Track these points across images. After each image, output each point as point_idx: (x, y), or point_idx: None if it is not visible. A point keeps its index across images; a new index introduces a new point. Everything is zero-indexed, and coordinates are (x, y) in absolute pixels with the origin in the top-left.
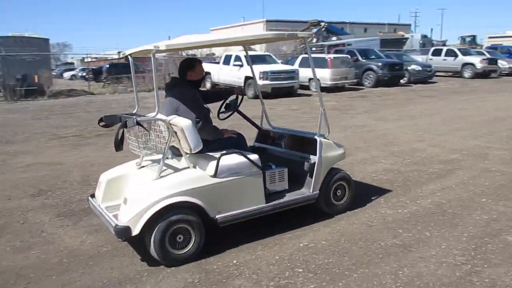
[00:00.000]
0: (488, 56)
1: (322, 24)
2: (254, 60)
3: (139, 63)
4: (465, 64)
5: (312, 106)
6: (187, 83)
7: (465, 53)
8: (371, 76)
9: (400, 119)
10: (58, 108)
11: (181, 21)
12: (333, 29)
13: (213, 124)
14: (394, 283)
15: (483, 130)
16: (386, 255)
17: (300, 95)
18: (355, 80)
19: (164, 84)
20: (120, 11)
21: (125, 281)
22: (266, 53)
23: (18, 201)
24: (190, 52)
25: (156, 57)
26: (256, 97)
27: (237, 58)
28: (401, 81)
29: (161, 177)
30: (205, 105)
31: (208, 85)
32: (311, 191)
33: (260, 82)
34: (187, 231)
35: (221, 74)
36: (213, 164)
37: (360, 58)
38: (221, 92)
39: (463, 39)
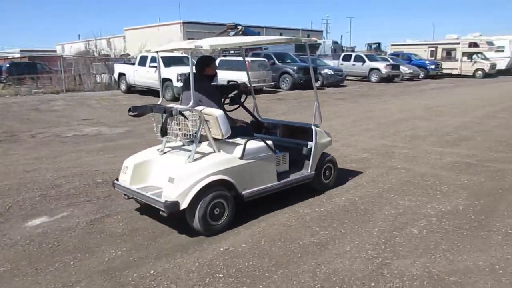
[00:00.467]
0: (392, 62)
1: (240, 27)
2: (172, 62)
3: (45, 63)
4: (372, 69)
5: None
6: (205, 77)
7: (371, 59)
8: (287, 79)
9: None
10: None
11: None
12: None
13: None
14: (312, 281)
15: (389, 130)
16: (305, 253)
17: None
18: (272, 83)
19: (73, 85)
20: (24, 7)
21: None
22: (184, 55)
23: None
24: (103, 51)
25: (65, 57)
26: (174, 99)
27: (154, 59)
28: (316, 83)
29: (195, 160)
30: None
31: (123, 86)
32: (309, 171)
33: (178, 84)
34: (222, 205)
35: (137, 75)
36: (240, 148)
37: (276, 61)
38: (229, 87)
39: (369, 46)
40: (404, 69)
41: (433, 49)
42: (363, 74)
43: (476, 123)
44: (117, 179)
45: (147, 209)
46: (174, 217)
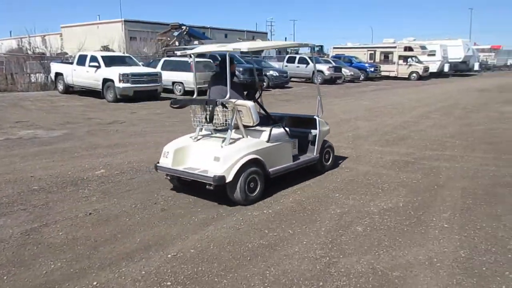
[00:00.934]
0: (334, 64)
1: (184, 27)
2: (113, 61)
3: None
4: (319, 72)
5: (177, 110)
6: (228, 74)
7: (316, 61)
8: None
9: None
10: None
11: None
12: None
13: None
14: (262, 284)
15: (333, 131)
16: (254, 256)
17: (164, 98)
18: None
19: (5, 85)
20: None
21: None
22: (126, 54)
23: None
24: (37, 49)
25: None
26: (116, 100)
27: (93, 59)
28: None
29: (230, 143)
30: None
31: (60, 87)
32: (314, 154)
33: (121, 84)
34: (256, 180)
35: (75, 75)
36: (266, 133)
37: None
38: (246, 84)
39: (312, 48)
40: (346, 71)
41: (372, 52)
42: (307, 76)
43: (413, 123)
44: (157, 163)
45: (88, 215)
46: (216, 191)
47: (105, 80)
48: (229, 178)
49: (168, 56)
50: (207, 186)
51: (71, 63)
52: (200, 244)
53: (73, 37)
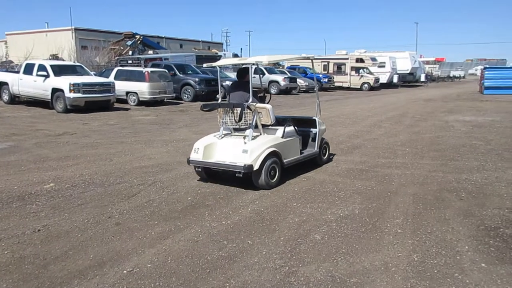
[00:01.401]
0: (289, 75)
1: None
2: (63, 70)
3: None
4: (271, 82)
5: (131, 121)
6: (244, 82)
7: (270, 72)
8: (189, 90)
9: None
10: None
11: None
12: (149, 42)
13: None
14: None
15: None
16: (213, 269)
17: (117, 109)
18: (174, 95)
19: None
20: None
21: None
22: (77, 63)
23: None
24: None
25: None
26: (66, 111)
27: (42, 68)
28: (217, 96)
29: (252, 139)
30: None
31: (5, 97)
32: (315, 149)
33: (71, 95)
34: (275, 169)
35: (22, 84)
36: (280, 130)
37: (178, 72)
38: (259, 90)
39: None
40: (301, 82)
41: (326, 63)
42: (264, 86)
43: (366, 132)
44: (189, 158)
45: (37, 232)
46: (244, 179)
47: (54, 90)
48: (256, 167)
49: (121, 66)
50: (236, 174)
51: (17, 72)
52: (157, 258)
53: (20, 45)
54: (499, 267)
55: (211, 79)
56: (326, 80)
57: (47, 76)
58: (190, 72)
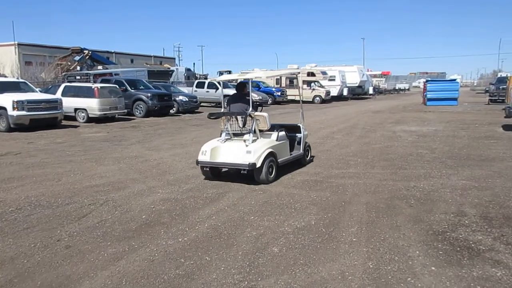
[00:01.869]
0: None
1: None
2: (6, 87)
3: None
4: (225, 96)
5: (80, 138)
6: (243, 94)
7: (225, 86)
8: (141, 106)
9: (173, 147)
10: None
11: None
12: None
13: None
14: None
15: None
16: None
17: (65, 126)
18: (125, 110)
19: None
20: None
21: None
22: (21, 80)
23: None
24: None
25: None
26: (9, 129)
27: None
28: (171, 111)
29: (252, 142)
30: None
31: None
32: (300, 151)
33: (15, 113)
34: (272, 167)
35: None
36: (275, 135)
37: (129, 88)
38: (254, 101)
39: (221, 73)
40: (254, 96)
41: (278, 77)
42: (217, 101)
43: (319, 143)
44: (197, 159)
45: None
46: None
47: None
48: (258, 165)
49: (69, 82)
50: (241, 171)
51: None
52: (111, 281)
53: None
54: (448, 269)
55: (164, 94)
56: (279, 93)
57: None
58: (142, 87)
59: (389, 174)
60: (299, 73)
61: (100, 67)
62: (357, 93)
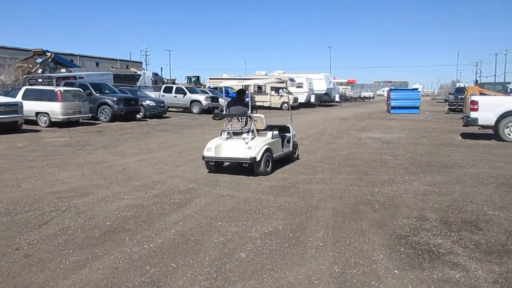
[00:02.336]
0: (211, 95)
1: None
2: None
3: None
4: (193, 101)
5: (41, 143)
6: (242, 99)
7: (192, 91)
8: (106, 110)
9: (139, 153)
10: None
11: None
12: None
13: None
14: None
15: None
16: None
17: (26, 131)
18: (90, 115)
19: None
20: None
21: None
22: None
23: None
24: None
25: None
26: None
27: None
28: (137, 116)
29: (251, 139)
30: None
31: None
32: (290, 148)
33: None
34: (269, 161)
35: None
36: (270, 133)
37: (94, 92)
38: (251, 105)
39: (189, 78)
40: (223, 102)
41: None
42: (185, 106)
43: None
44: (203, 155)
45: None
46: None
47: None
48: (258, 158)
49: (30, 85)
50: (243, 164)
51: None
52: None
53: None
54: (410, 272)
55: (130, 99)
56: (247, 99)
57: None
58: (107, 91)
59: (354, 180)
60: (287, 81)
61: (63, 70)
62: (324, 100)
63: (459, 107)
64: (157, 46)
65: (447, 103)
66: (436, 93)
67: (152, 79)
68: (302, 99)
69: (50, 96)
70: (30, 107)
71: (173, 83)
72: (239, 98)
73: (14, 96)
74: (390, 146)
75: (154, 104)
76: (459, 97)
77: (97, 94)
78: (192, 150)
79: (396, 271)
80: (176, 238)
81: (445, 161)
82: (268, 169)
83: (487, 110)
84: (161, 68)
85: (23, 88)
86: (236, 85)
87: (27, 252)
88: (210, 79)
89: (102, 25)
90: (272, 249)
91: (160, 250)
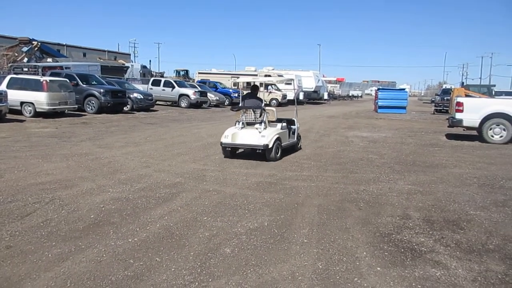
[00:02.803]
0: (200, 89)
1: (35, 43)
2: None
3: None
4: (181, 95)
5: (26, 133)
6: (256, 93)
7: (181, 85)
8: (93, 102)
9: (126, 146)
10: None
11: None
12: (48, 49)
13: None
14: None
15: (200, 154)
16: None
17: (10, 120)
18: (76, 106)
19: None
20: None
21: None
22: None
23: None
24: None
25: None
26: None
27: None
28: (125, 108)
29: (264, 129)
30: None
31: None
32: (295, 139)
33: None
34: (278, 148)
35: None
36: (279, 125)
37: (80, 83)
38: (260, 99)
39: (178, 72)
40: (211, 96)
41: (236, 78)
42: (173, 100)
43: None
44: (221, 141)
45: None
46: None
47: None
48: (270, 145)
49: (15, 73)
50: (257, 151)
51: None
52: (55, 283)
53: None
54: (392, 270)
55: (118, 91)
56: (236, 95)
57: None
58: (94, 82)
59: (340, 178)
60: (294, 80)
61: (49, 59)
62: (313, 97)
63: (445, 108)
64: (146, 39)
65: (434, 104)
66: (423, 94)
67: (140, 71)
68: (291, 96)
69: (35, 86)
70: (15, 96)
71: (162, 76)
72: (253, 93)
73: None
74: (377, 145)
75: (142, 97)
76: (445, 98)
77: (84, 85)
78: (179, 144)
79: (378, 269)
80: (161, 232)
81: (430, 161)
82: (278, 155)
83: (472, 111)
84: (150, 61)
85: (8, 77)
86: (251, 81)
87: (8, 243)
88: (199, 73)
89: (91, 15)
90: (257, 245)
91: (144, 244)
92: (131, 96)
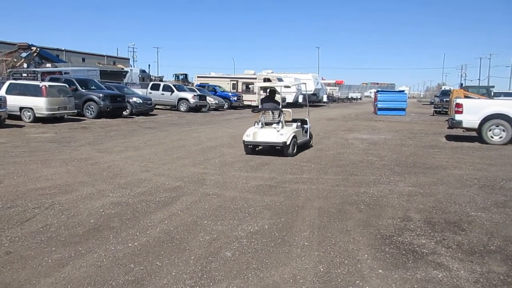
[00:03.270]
0: (199, 93)
1: (34, 48)
2: None
3: None
4: (180, 99)
5: (25, 139)
6: (273, 97)
7: (180, 89)
8: (92, 107)
9: (125, 150)
10: None
11: None
12: (46, 55)
13: None
14: None
15: (200, 158)
16: None
17: (9, 126)
18: (75, 111)
19: None
20: None
21: None
22: None
23: None
24: None
25: None
26: None
27: None
28: (124, 112)
29: (282, 128)
30: None
31: None
32: (308, 138)
33: None
34: (295, 145)
35: None
36: (295, 124)
37: (79, 88)
38: (278, 101)
39: (177, 76)
40: (211, 100)
41: (235, 82)
42: (172, 104)
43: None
44: (244, 140)
45: None
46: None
47: None
48: (287, 143)
49: (14, 79)
50: (276, 147)
51: None
52: None
53: None
54: (393, 272)
55: (117, 95)
56: (235, 98)
57: None
58: (93, 87)
59: (341, 180)
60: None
61: (48, 65)
62: (312, 100)
63: (444, 110)
64: (145, 43)
65: (433, 105)
66: (422, 96)
67: (139, 76)
68: (290, 99)
69: (34, 91)
70: (14, 101)
71: (161, 80)
72: (271, 96)
73: None
74: (377, 147)
75: (141, 101)
76: (444, 99)
77: (83, 90)
78: (179, 148)
79: (380, 271)
80: (161, 236)
81: (430, 163)
82: (294, 151)
83: (471, 113)
84: (149, 65)
85: (7, 82)
86: (267, 86)
87: (8, 249)
88: (198, 77)
89: (89, 20)
90: (258, 248)
91: (144, 249)
92: (130, 100)
